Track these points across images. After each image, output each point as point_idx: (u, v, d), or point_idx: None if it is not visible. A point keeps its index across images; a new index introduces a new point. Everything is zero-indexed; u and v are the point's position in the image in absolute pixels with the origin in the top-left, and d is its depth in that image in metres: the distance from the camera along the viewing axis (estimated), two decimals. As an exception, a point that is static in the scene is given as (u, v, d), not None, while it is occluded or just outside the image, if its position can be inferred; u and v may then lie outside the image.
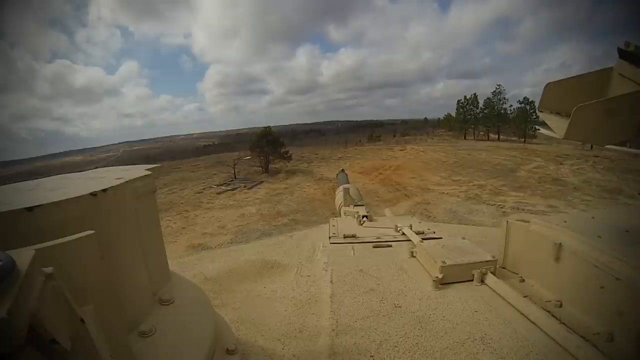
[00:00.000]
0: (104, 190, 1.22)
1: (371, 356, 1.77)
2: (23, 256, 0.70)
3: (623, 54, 1.68)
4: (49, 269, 0.75)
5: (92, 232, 0.97)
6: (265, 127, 44.21)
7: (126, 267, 1.35)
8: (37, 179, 1.59)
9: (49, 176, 1.64)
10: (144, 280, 1.47)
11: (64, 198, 1.09)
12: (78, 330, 0.79)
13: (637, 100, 1.54)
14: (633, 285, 1.59)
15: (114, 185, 1.29)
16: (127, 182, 1.38)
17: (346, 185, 5.94)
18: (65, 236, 0.92)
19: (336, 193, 6.38)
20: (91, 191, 1.17)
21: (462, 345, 1.78)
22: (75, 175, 1.66)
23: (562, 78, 1.93)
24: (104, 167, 1.98)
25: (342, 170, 8.55)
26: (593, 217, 2.29)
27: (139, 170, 1.60)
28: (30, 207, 1.00)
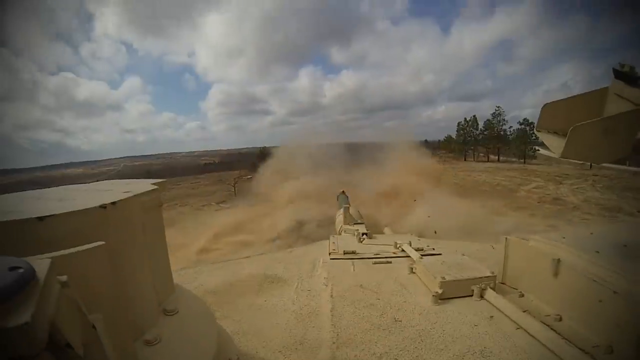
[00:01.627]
0: (114, 203, 1.25)
1: None
2: (41, 264, 0.72)
3: (618, 74, 1.73)
4: (64, 277, 0.77)
5: (102, 243, 0.99)
6: (261, 148, 44.47)
7: (133, 277, 1.37)
8: (38, 188, 1.62)
9: (50, 187, 1.67)
10: (150, 290, 1.48)
11: (74, 209, 1.12)
12: (90, 337, 0.81)
13: (633, 118, 1.59)
14: (631, 298, 1.61)
15: (122, 198, 1.31)
16: (135, 195, 1.40)
17: (345, 205, 5.94)
18: (75, 246, 0.95)
19: (336, 217, 6.33)
20: (100, 204, 1.20)
21: (462, 359, 1.79)
22: (81, 186, 1.69)
23: (560, 99, 1.98)
24: (106, 180, 2.00)
25: (343, 191, 8.52)
26: (591, 233, 2.31)
27: (146, 185, 1.62)
28: (41, 217, 1.03)
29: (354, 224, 5.08)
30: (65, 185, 1.74)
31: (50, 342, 0.65)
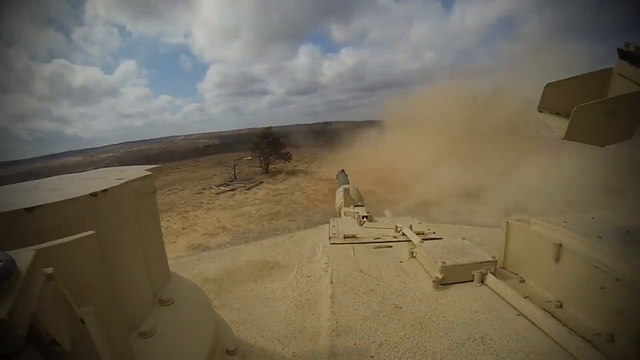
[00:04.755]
0: (104, 191, 1.21)
1: (371, 357, 1.77)
2: (23, 256, 0.69)
3: (623, 54, 1.68)
4: (49, 270, 0.75)
5: (92, 232, 0.96)
6: (267, 128, 44.11)
7: (126, 267, 1.35)
8: (37, 179, 1.59)
9: (49, 177, 1.63)
10: (144, 280, 1.47)
11: (64, 198, 1.09)
12: (78, 331, 0.78)
13: (637, 100, 1.55)
14: (633, 285, 1.59)
15: (114, 185, 1.28)
16: (127, 182, 1.37)
17: (346, 186, 5.93)
18: (66, 237, 0.92)
19: (336, 194, 6.37)
20: (91, 192, 1.17)
21: (462, 346, 1.78)
22: (76, 175, 1.66)
23: (563, 78, 1.93)
24: (104, 167, 1.98)
25: (342, 170, 8.51)
26: (593, 218, 2.29)
27: (139, 171, 1.59)
28: (30, 208, 1.00)
29: (354, 206, 5.07)
30: (63, 174, 1.71)
31: (34, 338, 0.63)
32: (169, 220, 22.74)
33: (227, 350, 1.56)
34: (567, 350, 1.65)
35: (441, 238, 3.26)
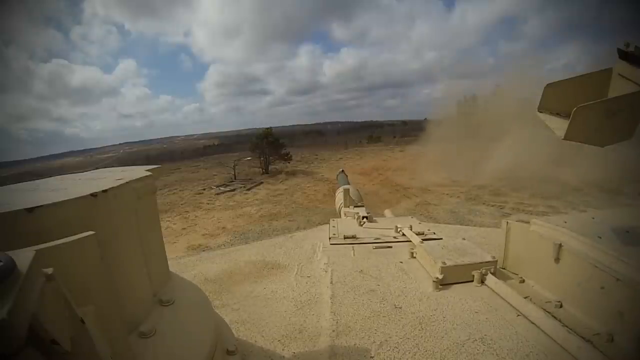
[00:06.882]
0: (105, 191, 1.21)
1: (371, 357, 1.77)
2: (23, 257, 0.69)
3: (623, 55, 1.68)
4: (49, 270, 0.75)
5: (92, 232, 0.96)
6: (267, 129, 44.08)
7: (126, 267, 1.35)
8: (36, 179, 1.59)
9: (49, 177, 1.63)
10: (144, 281, 1.46)
11: (64, 199, 1.09)
12: (78, 331, 0.78)
13: (637, 100, 1.55)
14: (633, 285, 1.59)
15: (114, 186, 1.28)
16: (127, 182, 1.37)
17: (346, 186, 5.94)
18: (66, 237, 0.92)
19: (336, 194, 6.38)
20: (91, 192, 1.17)
21: (463, 346, 1.78)
22: (76, 176, 1.66)
23: (563, 79, 1.93)
24: (104, 167, 1.98)
25: (342, 170, 8.52)
26: (593, 218, 2.29)
27: (140, 171, 1.59)
28: (30, 208, 1.00)
29: (354, 206, 5.08)
30: (63, 175, 1.71)
31: (34, 338, 0.63)
32: (169, 221, 22.72)
33: (227, 350, 1.56)
34: (567, 350, 1.65)
35: (441, 238, 3.26)
